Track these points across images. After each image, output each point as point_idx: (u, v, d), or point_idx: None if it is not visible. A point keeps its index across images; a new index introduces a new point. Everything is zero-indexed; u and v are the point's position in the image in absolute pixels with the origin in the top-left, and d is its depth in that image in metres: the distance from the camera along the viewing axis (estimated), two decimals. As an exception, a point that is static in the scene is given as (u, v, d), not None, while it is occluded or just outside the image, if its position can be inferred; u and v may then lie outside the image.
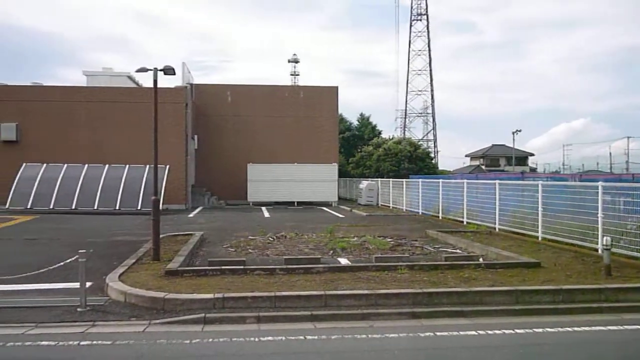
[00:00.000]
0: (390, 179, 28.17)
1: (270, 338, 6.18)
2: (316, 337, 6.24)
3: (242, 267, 9.16)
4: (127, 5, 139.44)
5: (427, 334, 6.41)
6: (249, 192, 28.32)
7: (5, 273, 8.94)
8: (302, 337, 6.20)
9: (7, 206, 22.21)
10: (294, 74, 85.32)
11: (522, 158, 75.73)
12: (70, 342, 6.02)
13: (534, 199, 13.56)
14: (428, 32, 70.62)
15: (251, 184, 28.31)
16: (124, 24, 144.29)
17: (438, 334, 6.40)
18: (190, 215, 22.09)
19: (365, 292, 7.63)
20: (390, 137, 47.89)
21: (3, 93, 25.00)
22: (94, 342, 6.05)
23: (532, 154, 79.22)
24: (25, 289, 8.38)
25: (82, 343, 6.01)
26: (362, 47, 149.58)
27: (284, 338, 6.17)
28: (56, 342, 6.01)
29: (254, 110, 31.08)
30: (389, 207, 26.21)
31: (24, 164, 23.61)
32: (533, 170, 69.01)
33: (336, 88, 32.28)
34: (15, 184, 22.81)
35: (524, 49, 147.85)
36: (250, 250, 11.65)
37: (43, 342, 6.02)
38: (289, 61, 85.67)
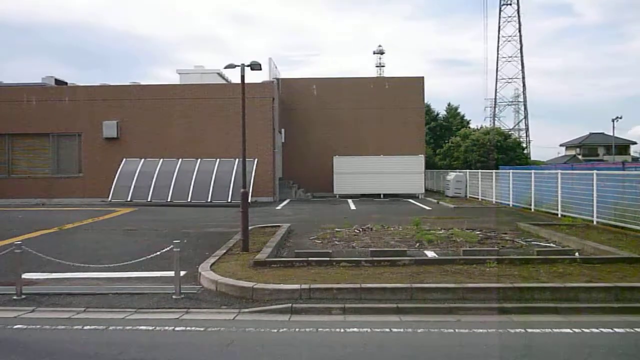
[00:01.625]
0: (479, 170, 27.40)
1: (355, 329, 6.22)
2: (402, 330, 6.20)
3: (328, 258, 9.25)
4: (219, 6, 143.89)
5: (518, 330, 6.20)
6: (335, 184, 28.50)
7: (109, 261, 9.56)
8: (387, 330, 6.19)
9: (109, 199, 23.71)
10: (380, 66, 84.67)
11: (622, 147, 71.28)
12: (166, 328, 6.35)
13: (636, 190, 12.71)
14: (519, 16, 67.80)
15: (337, 177, 28.48)
16: (214, 24, 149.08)
17: (529, 330, 6.17)
18: (278, 207, 22.57)
19: (452, 285, 7.49)
20: (479, 127, 46.54)
21: (105, 93, 26.62)
22: (188, 328, 6.34)
23: (634, 142, 74.39)
24: (126, 277, 8.94)
25: (176, 329, 6.32)
26: (448, 35, 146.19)
27: (369, 330, 6.19)
28: (153, 327, 6.36)
29: (340, 102, 31.23)
30: (478, 199, 25.52)
31: (124, 159, 25.07)
32: (635, 159, 64.77)
33: (422, 78, 31.79)
34: (116, 178, 24.28)
35: (626, 31, 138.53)
36: (336, 242, 11.74)
37: (142, 327, 6.39)
38: (374, 52, 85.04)
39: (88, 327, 6.40)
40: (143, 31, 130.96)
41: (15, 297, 7.68)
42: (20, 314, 6.96)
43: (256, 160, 24.02)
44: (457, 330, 6.20)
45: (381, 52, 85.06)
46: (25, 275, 8.22)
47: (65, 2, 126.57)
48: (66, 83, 30.29)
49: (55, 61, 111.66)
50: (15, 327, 6.45)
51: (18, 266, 7.87)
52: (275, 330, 6.21)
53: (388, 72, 78.41)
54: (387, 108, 31.20)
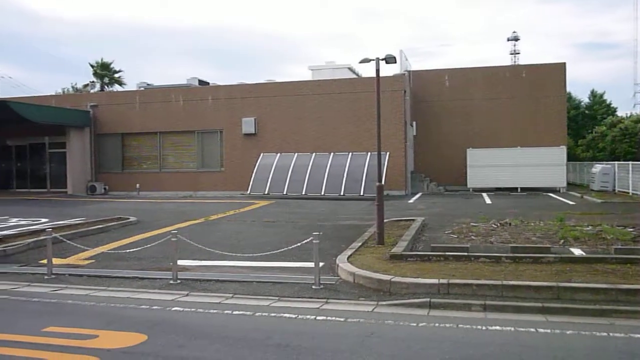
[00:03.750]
0: (630, 162, 25.17)
1: (497, 327, 6.03)
2: (549, 331, 5.91)
3: (465, 253, 9.05)
4: (349, 1, 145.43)
5: (683, 337, 5.66)
6: (469, 177, 27.69)
7: (251, 251, 10.11)
8: (532, 330, 5.94)
9: (248, 192, 24.99)
10: (514, 53, 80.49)
11: None
12: (308, 316, 6.59)
13: None
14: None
15: (471, 170, 27.65)
16: (344, 19, 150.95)
17: (697, 338, 5.61)
18: (410, 201, 22.41)
19: (604, 286, 6.99)
20: (628, 115, 42.72)
21: (244, 91, 28.04)
22: (329, 317, 6.53)
23: None
24: (268, 266, 9.40)
25: (318, 318, 6.54)
26: (589, 17, 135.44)
27: (512, 329, 5.97)
28: (296, 315, 6.63)
29: (473, 93, 30.26)
30: (628, 193, 23.47)
31: (262, 154, 26.27)
32: None
33: (563, 64, 29.79)
34: (254, 172, 25.52)
35: None
36: (472, 237, 11.43)
37: (285, 315, 6.69)
38: (508, 39, 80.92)
39: (237, 312, 6.83)
40: (275, 30, 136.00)
41: (171, 282, 8.39)
42: (176, 297, 7.60)
43: (388, 153, 24.03)
44: (611, 334, 5.79)
45: (515, 39, 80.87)
46: (179, 262, 8.92)
47: (202, 8, 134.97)
48: (208, 83, 32.32)
49: (197, 62, 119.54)
50: (174, 309, 7.05)
51: (175, 253, 8.58)
52: (415, 324, 6.21)
53: (523, 60, 74.30)
54: (524, 97, 29.68)
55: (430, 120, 30.19)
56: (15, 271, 9.53)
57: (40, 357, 5.28)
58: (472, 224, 13.41)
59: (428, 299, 7.00)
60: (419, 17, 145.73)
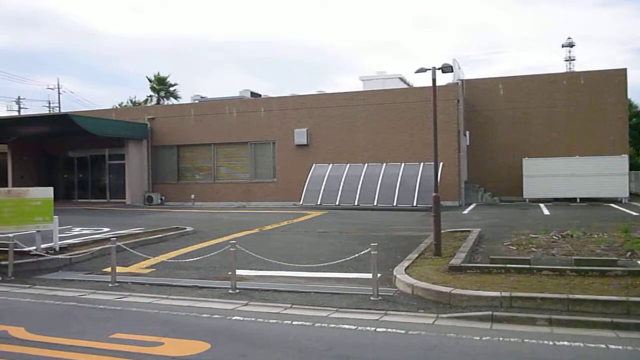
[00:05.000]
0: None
1: (565, 343, 5.84)
2: (620, 347, 5.68)
3: (527, 266, 8.81)
4: (399, 11, 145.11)
5: None
6: (525, 187, 27.00)
7: (307, 262, 10.16)
8: (603, 346, 5.71)
9: (300, 202, 25.14)
10: (569, 60, 78.62)
11: None
12: (368, 328, 6.55)
13: None
14: None
15: (527, 180, 26.95)
16: (395, 29, 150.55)
17: None
18: (465, 211, 22.03)
19: (679, 301, 6.67)
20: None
21: (296, 102, 28.30)
22: (389, 329, 6.47)
23: None
24: (324, 277, 9.40)
25: (378, 329, 6.48)
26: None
27: (581, 344, 5.77)
28: (355, 327, 6.60)
29: (528, 101, 29.54)
30: (697, 204, 22.38)
31: (314, 165, 26.40)
32: None
33: (624, 70, 28.75)
34: (306, 182, 25.66)
35: None
36: (533, 249, 11.12)
37: (344, 326, 6.66)
38: (562, 46, 79.30)
39: (296, 322, 6.86)
40: (325, 42, 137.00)
41: (230, 291, 8.51)
42: (236, 307, 7.69)
43: (441, 163, 23.71)
44: (689, 352, 5.52)
45: (571, 45, 78.97)
46: (237, 272, 9.03)
47: (255, 22, 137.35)
48: (260, 95, 32.80)
49: (250, 75, 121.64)
50: (234, 318, 7.14)
51: (233, 263, 8.70)
52: (478, 338, 6.07)
53: (578, 66, 72.29)
54: (583, 105, 28.77)
55: (484, 129, 29.64)
56: (81, 279, 9.88)
57: (109, 363, 5.45)
58: (531, 235, 13.05)
59: (490, 312, 6.83)
60: (469, 24, 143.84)
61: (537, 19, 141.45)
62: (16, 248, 10.65)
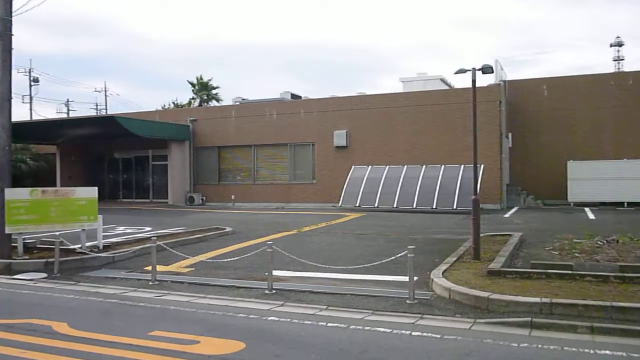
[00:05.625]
0: None
1: (607, 352, 5.66)
2: (666, 358, 5.48)
3: (569, 271, 8.58)
4: (441, 12, 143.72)
5: None
6: (570, 191, 26.30)
7: (344, 263, 10.16)
8: (647, 356, 5.53)
9: (339, 204, 25.14)
10: (618, 59, 76.18)
11: None
12: (403, 331, 6.50)
13: None
14: None
15: (572, 183, 26.26)
16: (436, 29, 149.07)
17: None
18: (506, 215, 21.62)
19: None
20: None
21: (335, 104, 28.33)
22: (424, 334, 6.40)
23: None
24: (360, 279, 9.37)
25: (413, 333, 6.43)
26: None
27: (624, 354, 5.58)
28: (391, 330, 6.56)
29: (574, 102, 28.75)
30: None
31: (353, 167, 26.37)
32: None
33: (676, 70, 27.76)
34: (345, 184, 25.65)
35: None
36: (576, 255, 10.81)
37: (379, 328, 6.63)
38: (611, 45, 76.73)
39: (331, 324, 6.86)
40: (366, 43, 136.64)
41: (267, 292, 8.58)
42: (272, 307, 7.75)
43: (482, 166, 23.31)
44: None
45: (619, 44, 76.49)
46: (274, 272, 9.10)
47: (296, 25, 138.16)
48: (300, 97, 32.97)
49: (289, 77, 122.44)
50: (270, 318, 7.19)
51: (270, 264, 8.77)
52: (516, 345, 5.95)
53: (627, 66, 70.05)
54: (632, 106, 27.81)
55: (527, 131, 29.00)
56: (123, 276, 10.13)
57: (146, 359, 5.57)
58: (574, 240, 12.69)
59: (529, 319, 6.68)
60: (513, 25, 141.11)
61: (585, 18, 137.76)
62: (62, 246, 11.00)
